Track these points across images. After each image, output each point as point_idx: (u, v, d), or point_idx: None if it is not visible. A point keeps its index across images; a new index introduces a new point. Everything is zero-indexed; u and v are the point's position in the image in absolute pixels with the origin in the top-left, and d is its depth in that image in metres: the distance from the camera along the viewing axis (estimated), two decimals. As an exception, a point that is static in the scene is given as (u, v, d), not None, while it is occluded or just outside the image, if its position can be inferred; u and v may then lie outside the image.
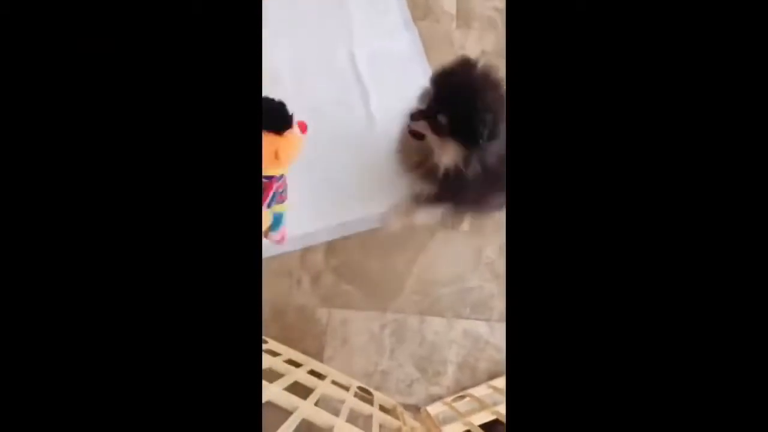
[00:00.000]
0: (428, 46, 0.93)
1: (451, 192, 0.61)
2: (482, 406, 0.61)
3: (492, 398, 0.66)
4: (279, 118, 0.49)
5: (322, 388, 0.56)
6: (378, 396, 0.67)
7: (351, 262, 0.77)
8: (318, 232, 0.78)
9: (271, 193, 0.52)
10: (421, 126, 0.57)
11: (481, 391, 0.68)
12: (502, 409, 0.59)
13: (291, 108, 0.58)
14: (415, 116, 0.57)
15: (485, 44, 0.94)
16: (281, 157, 0.48)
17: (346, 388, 0.63)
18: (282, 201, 0.56)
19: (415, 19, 0.96)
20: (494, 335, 0.74)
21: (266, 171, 0.50)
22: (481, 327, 0.74)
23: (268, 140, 0.47)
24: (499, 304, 0.75)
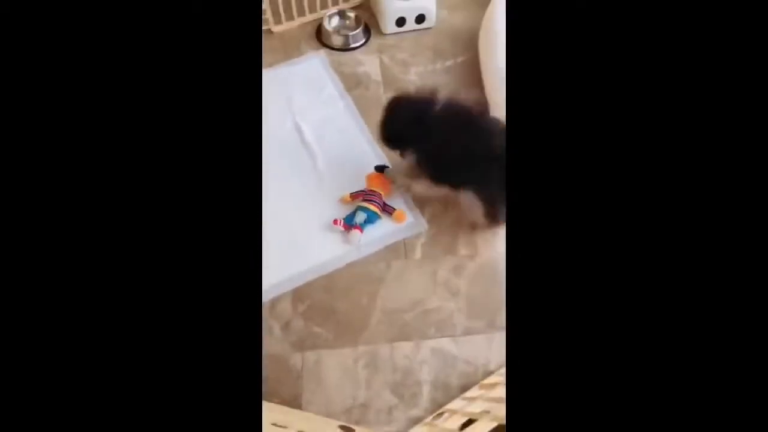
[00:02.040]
0: (362, 109, 1.09)
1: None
2: (455, 413, 0.64)
3: (468, 407, 0.69)
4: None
5: None
6: (360, 431, 0.68)
7: (318, 305, 0.82)
8: (283, 282, 0.84)
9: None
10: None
11: (456, 404, 0.72)
12: (474, 409, 0.63)
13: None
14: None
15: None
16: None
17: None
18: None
19: (348, 89, 1.13)
20: (461, 349, 0.79)
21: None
22: (447, 344, 0.79)
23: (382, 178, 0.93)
24: (461, 320, 0.81)
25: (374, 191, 0.90)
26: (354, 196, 0.90)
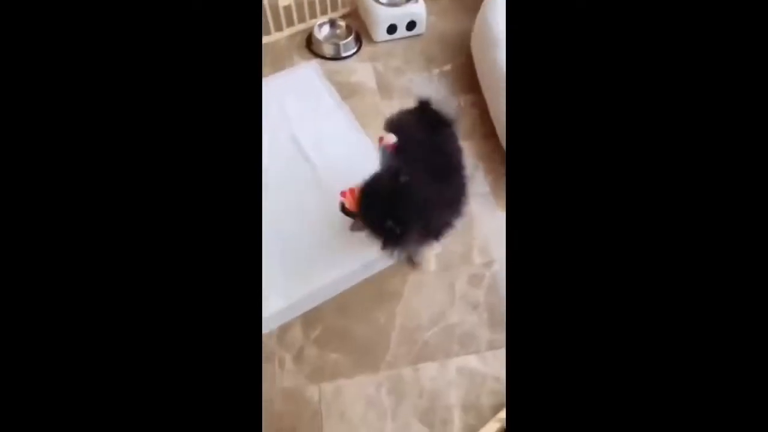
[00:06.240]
0: (360, 117, 1.04)
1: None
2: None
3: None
4: None
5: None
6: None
7: (331, 329, 0.76)
8: (291, 307, 0.77)
9: None
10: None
11: (491, 427, 0.66)
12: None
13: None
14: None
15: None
16: None
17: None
18: None
19: (344, 98, 1.08)
20: (487, 365, 0.74)
21: None
22: (473, 361, 0.74)
23: None
24: (484, 333, 0.77)
25: None
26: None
